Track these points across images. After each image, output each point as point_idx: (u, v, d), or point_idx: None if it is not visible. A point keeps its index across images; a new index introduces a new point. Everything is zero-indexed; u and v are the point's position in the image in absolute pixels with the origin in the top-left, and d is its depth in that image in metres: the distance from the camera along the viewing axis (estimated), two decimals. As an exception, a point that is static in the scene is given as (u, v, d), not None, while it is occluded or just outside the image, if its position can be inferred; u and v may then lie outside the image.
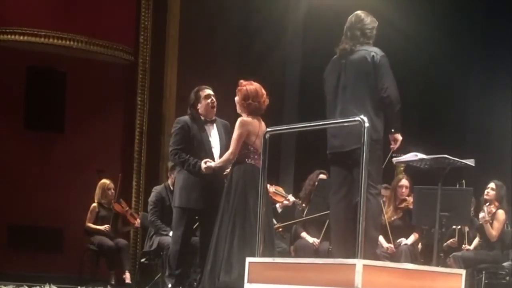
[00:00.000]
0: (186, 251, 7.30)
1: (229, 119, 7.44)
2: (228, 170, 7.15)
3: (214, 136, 7.36)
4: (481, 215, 8.88)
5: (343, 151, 6.06)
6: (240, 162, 6.97)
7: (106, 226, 9.84)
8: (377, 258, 6.15)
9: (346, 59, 6.21)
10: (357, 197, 5.34)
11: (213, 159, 7.18)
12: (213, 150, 7.30)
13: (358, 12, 6.36)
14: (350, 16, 6.34)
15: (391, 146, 6.21)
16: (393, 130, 6.12)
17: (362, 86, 6.08)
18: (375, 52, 6.13)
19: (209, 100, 7.34)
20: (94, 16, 10.95)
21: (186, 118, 7.39)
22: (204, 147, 7.26)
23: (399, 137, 6.13)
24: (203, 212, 7.25)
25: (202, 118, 7.36)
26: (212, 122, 7.39)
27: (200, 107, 7.36)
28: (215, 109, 7.39)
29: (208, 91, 7.39)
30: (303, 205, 8.93)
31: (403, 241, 8.80)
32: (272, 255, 6.27)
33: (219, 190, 7.12)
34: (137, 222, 10.10)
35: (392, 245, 8.78)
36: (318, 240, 8.80)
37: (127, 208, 10.19)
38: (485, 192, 9.04)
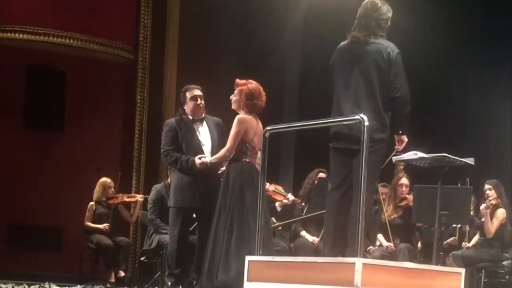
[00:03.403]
0: (185, 250, 7.30)
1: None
2: (224, 168, 7.14)
3: (204, 134, 7.35)
4: (482, 206, 8.84)
5: (352, 147, 5.83)
6: (237, 160, 6.95)
7: (105, 224, 9.83)
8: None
9: (359, 50, 5.98)
10: (356, 195, 5.31)
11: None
12: (203, 147, 7.29)
13: (376, 0, 6.06)
14: (365, 2, 6.07)
15: (396, 147, 6.13)
16: (400, 132, 6.01)
17: (375, 82, 5.90)
18: (391, 48, 5.92)
19: (195, 102, 7.33)
20: (94, 14, 10.96)
21: (173, 120, 7.42)
22: (193, 146, 7.26)
23: (405, 138, 6.02)
24: (200, 211, 7.24)
25: (190, 117, 7.36)
26: (201, 120, 7.38)
27: (187, 107, 7.37)
28: (202, 109, 7.37)
29: (195, 92, 7.37)
30: (303, 204, 8.93)
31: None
32: (270, 254, 6.26)
33: (214, 188, 7.10)
34: (139, 196, 10.00)
35: (392, 244, 8.78)
36: (318, 239, 8.80)
37: (120, 194, 10.09)
38: (486, 195, 9.01)
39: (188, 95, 7.37)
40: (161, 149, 7.42)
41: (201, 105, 7.35)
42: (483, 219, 8.94)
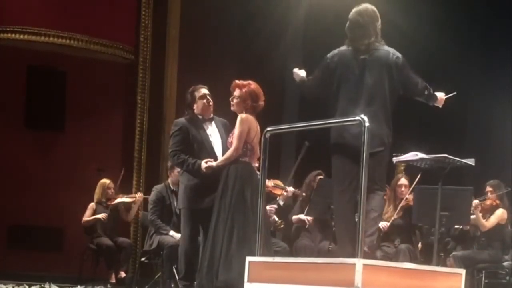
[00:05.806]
0: (196, 251, 7.27)
1: (229, 119, 7.43)
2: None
3: (214, 135, 7.34)
4: (475, 202, 8.84)
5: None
6: (236, 160, 6.94)
7: (103, 214, 9.75)
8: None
9: (367, 55, 6.03)
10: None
11: (215, 158, 7.15)
12: (214, 147, 7.28)
13: (374, 7, 6.14)
14: (370, 10, 6.12)
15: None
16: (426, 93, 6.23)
17: (385, 87, 5.99)
18: (397, 54, 6.04)
19: (204, 100, 7.33)
20: (95, 15, 10.96)
21: (183, 120, 7.39)
22: (204, 147, 7.24)
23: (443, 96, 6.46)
24: (209, 212, 7.22)
25: (200, 117, 7.36)
26: (210, 120, 7.38)
27: (196, 107, 7.35)
28: (211, 108, 7.38)
29: (203, 90, 7.38)
30: (303, 194, 8.92)
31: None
32: (268, 255, 6.25)
33: None
34: (139, 195, 9.98)
35: (387, 223, 8.77)
36: (311, 218, 8.79)
37: (120, 195, 10.06)
38: (487, 197, 9.01)
39: (197, 94, 7.36)
40: (169, 149, 7.41)
41: (210, 103, 7.36)
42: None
